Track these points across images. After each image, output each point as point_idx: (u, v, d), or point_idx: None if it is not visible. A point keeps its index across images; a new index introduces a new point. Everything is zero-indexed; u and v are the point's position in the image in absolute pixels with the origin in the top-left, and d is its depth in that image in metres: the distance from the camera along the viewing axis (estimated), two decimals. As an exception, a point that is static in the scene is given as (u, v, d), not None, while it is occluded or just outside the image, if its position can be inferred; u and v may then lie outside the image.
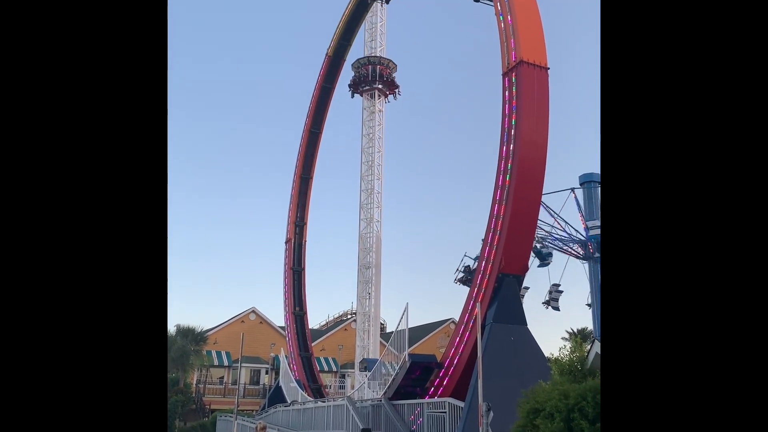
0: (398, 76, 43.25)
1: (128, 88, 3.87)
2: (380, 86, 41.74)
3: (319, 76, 44.38)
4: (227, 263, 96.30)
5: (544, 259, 33.72)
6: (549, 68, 22.71)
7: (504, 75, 23.20)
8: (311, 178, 43.65)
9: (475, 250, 29.37)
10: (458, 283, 29.08)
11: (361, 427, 20.99)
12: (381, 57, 43.04)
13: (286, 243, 42.99)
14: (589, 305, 36.23)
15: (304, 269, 42.18)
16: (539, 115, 22.54)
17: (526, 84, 22.34)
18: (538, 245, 32.93)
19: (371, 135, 40.28)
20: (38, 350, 3.57)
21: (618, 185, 3.98)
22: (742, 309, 3.68)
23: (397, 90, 42.85)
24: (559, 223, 35.54)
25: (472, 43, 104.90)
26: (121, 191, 3.78)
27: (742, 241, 3.73)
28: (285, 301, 41.71)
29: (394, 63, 43.39)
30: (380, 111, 41.50)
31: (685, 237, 3.82)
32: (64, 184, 3.70)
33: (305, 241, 42.84)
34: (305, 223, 43.09)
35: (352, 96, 43.29)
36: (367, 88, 42.01)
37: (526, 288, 23.65)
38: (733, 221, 3.77)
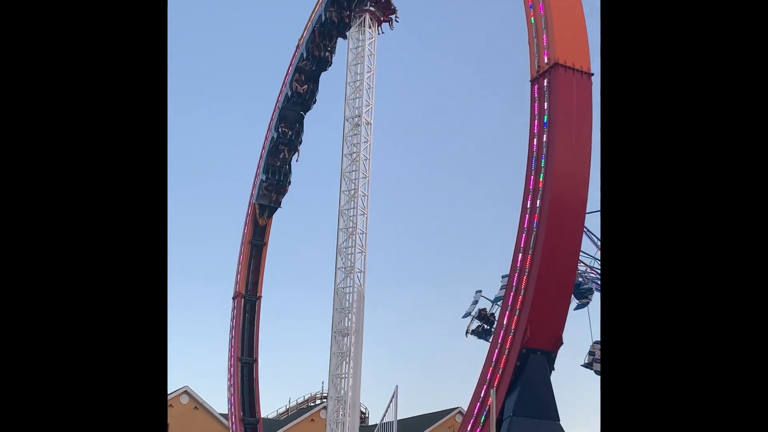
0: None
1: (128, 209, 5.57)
2: (372, 8, 32.43)
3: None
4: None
5: (583, 297, 26.55)
6: (593, 74, 18.83)
7: (532, 81, 19.45)
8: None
9: (493, 291, 23.74)
10: (471, 335, 23.11)
11: None
12: None
13: (234, 299, 36.01)
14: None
15: (258, 326, 35.15)
16: (580, 137, 18.48)
17: (562, 94, 18.45)
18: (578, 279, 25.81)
19: (354, 178, 32.69)
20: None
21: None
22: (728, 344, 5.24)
23: (394, 16, 33.65)
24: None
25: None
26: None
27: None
28: (230, 377, 34.67)
29: None
30: (370, 88, 32.03)
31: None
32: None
33: (260, 295, 36.27)
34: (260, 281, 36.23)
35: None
36: (356, 10, 32.35)
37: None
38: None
